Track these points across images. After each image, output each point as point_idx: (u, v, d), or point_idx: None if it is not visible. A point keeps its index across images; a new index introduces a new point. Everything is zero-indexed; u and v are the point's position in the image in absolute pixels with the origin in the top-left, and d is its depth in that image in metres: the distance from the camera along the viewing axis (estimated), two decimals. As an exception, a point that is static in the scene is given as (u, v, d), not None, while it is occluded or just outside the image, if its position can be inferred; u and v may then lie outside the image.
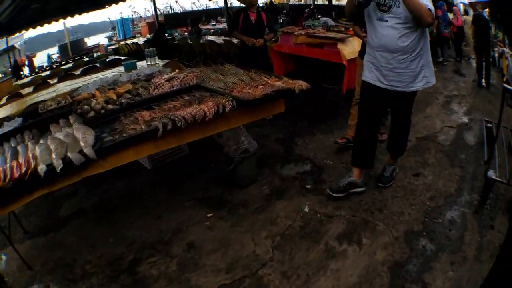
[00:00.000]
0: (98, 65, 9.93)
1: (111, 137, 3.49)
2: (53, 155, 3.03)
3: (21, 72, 20.37)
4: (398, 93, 3.88)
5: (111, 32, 36.53)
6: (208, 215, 4.40)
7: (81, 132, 3.37)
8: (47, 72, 12.96)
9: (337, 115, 6.82)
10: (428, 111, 6.94)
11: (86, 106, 4.08)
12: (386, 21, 3.62)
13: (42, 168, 2.91)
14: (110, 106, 4.12)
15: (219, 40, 10.81)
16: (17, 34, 16.98)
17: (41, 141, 3.48)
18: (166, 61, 7.59)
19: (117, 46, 19.91)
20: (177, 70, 5.05)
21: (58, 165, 2.99)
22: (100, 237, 4.26)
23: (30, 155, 3.13)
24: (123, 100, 4.25)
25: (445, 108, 7.12)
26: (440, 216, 3.85)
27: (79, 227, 4.61)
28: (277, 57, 7.88)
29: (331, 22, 8.19)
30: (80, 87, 5.40)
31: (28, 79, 12.36)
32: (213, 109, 3.61)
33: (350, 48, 6.20)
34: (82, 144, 3.21)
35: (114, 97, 4.34)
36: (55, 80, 8.53)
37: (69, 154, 3.09)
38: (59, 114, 4.18)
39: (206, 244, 3.91)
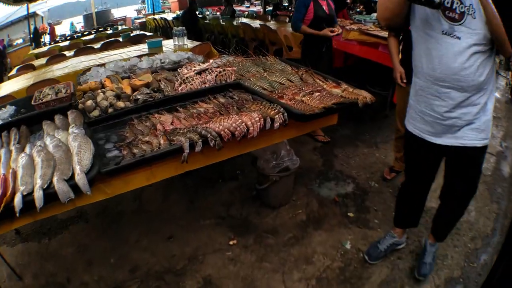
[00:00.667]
0: (120, 39, 9.24)
1: (117, 153, 2.60)
2: (36, 180, 2.20)
3: (42, 40, 19.59)
4: (461, 149, 2.59)
5: (140, 5, 35.29)
6: (231, 242, 3.69)
7: (77, 145, 2.43)
8: (66, 43, 12.06)
9: (382, 125, 6.08)
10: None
11: (89, 102, 3.07)
12: (459, 38, 2.24)
13: (18, 201, 2.07)
14: (121, 104, 3.14)
15: (255, 24, 9.56)
16: (39, 1, 16.16)
17: (27, 150, 2.61)
18: (197, 43, 6.76)
19: (144, 20, 19.03)
20: (210, 61, 3.97)
21: (39, 200, 2.10)
22: (100, 252, 3.66)
23: (11, 171, 2.34)
24: (138, 96, 3.23)
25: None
26: (476, 260, 3.38)
27: (78, 235, 4.02)
28: None
29: None
30: (89, 69, 4.38)
31: (45, 48, 11.59)
32: (258, 124, 2.73)
33: None
34: (74, 166, 2.29)
35: (128, 91, 3.35)
36: (72, 53, 7.85)
37: (55, 182, 2.17)
38: (55, 109, 3.24)
39: (226, 282, 3.27)
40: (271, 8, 15.73)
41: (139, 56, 4.98)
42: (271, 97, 3.21)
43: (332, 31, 5.05)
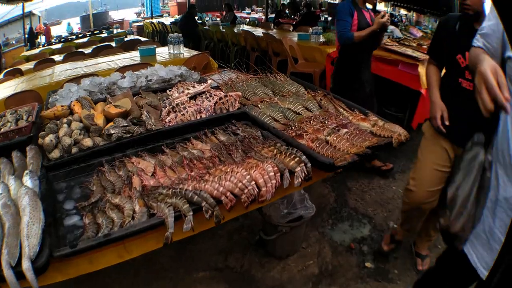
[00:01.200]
0: (114, 44, 8.64)
1: (77, 220, 1.91)
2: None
3: (37, 40, 18.81)
4: None
5: (140, 8, 34.52)
6: (230, 302, 3.05)
7: (26, 210, 1.78)
8: (59, 45, 11.57)
9: (398, 152, 5.35)
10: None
11: (49, 139, 2.33)
12: None
13: None
14: (87, 142, 2.36)
15: (257, 32, 8.77)
16: (35, 0, 15.46)
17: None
18: (194, 52, 6.05)
19: (142, 24, 18.31)
20: (208, 81, 3.15)
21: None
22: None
23: None
24: (112, 131, 2.44)
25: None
26: None
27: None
28: (332, 66, 6.00)
29: (398, 33, 6.48)
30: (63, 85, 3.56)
31: (37, 50, 11.21)
32: (274, 182, 1.97)
33: None
34: (22, 242, 1.68)
35: (100, 121, 2.57)
36: (61, 57, 7.47)
37: (2, 265, 1.58)
38: (13, 143, 2.55)
39: None
40: (273, 15, 14.84)
41: (124, 68, 4.31)
42: (287, 136, 2.43)
43: (382, 17, 4.13)
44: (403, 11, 15.83)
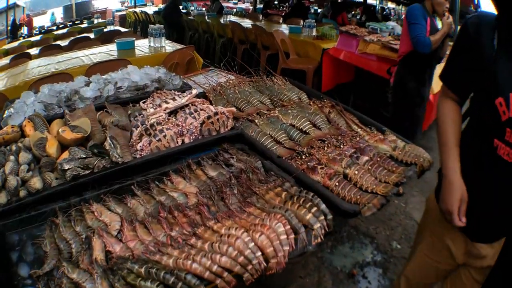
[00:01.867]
0: (92, 35, 7.95)
1: None
2: None
3: (20, 31, 17.70)
4: None
5: (125, -4, 33.42)
6: None
7: None
8: (38, 37, 10.60)
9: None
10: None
11: None
12: None
13: None
14: (35, 183, 1.79)
15: (245, 23, 8.02)
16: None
17: None
18: (177, 45, 5.42)
19: (125, 13, 17.31)
20: (193, 91, 2.48)
21: None
22: None
23: None
24: (66, 166, 1.82)
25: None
26: None
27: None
28: (330, 65, 5.70)
29: (399, 29, 5.77)
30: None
31: (16, 43, 10.38)
32: (287, 249, 1.45)
33: (438, 76, 3.96)
34: None
35: (53, 149, 1.98)
36: (38, 50, 6.76)
37: None
38: None
39: None
40: (261, 6, 14.09)
41: (96, 67, 3.71)
42: (298, 172, 1.83)
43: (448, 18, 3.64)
44: (391, 4, 15.29)
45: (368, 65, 5.07)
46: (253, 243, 1.38)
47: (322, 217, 1.52)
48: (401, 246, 3.57)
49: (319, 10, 10.97)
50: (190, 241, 1.45)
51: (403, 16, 8.01)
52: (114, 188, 1.80)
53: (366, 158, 1.94)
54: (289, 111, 2.44)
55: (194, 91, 2.35)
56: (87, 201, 1.74)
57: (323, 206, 1.57)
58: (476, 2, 10.13)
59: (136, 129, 2.08)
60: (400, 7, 11.95)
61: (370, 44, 4.95)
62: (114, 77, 2.93)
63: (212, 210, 1.62)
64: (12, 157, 1.90)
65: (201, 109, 2.19)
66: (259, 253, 1.38)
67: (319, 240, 1.50)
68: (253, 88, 2.84)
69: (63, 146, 2.02)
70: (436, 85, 4.10)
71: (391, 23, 5.89)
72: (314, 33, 6.56)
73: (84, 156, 1.88)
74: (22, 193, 1.76)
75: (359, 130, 2.30)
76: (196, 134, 2.06)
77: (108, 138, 1.95)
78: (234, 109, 2.27)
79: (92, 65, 4.30)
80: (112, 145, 1.90)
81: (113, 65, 3.65)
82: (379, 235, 3.71)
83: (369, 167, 1.87)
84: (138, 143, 1.99)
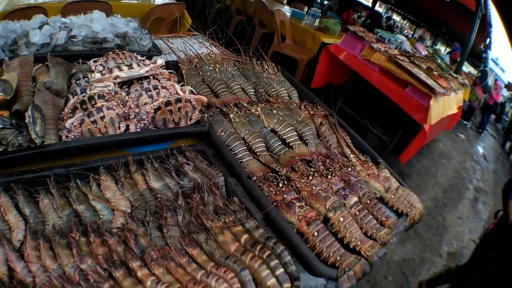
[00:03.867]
0: None
1: None
2: None
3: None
4: None
5: None
6: None
7: None
8: None
9: None
10: (460, 208, 5.48)
11: None
12: None
13: None
14: None
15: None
16: None
17: None
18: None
19: None
20: (159, 60, 1.86)
21: None
22: None
23: None
24: None
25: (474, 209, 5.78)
26: None
27: None
28: (326, 61, 5.17)
29: (407, 45, 5.40)
30: None
31: None
32: None
33: (439, 108, 4.27)
34: None
35: None
36: None
37: None
38: None
39: None
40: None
41: (73, 5, 3.10)
42: (268, 205, 1.39)
43: None
44: (395, 17, 14.88)
45: (369, 74, 4.67)
46: None
47: (288, 285, 1.11)
48: (393, 278, 3.45)
49: (325, 1, 10.36)
50: (103, 285, 1.01)
51: (405, 31, 7.54)
52: (27, 177, 1.27)
53: (355, 199, 1.57)
54: (274, 112, 1.98)
55: (160, 61, 1.77)
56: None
57: (292, 268, 1.16)
58: (487, 43, 9.99)
59: (72, 98, 1.52)
60: (405, 22, 11.61)
61: (376, 53, 4.53)
62: (74, 21, 2.28)
63: (141, 242, 1.14)
64: None
65: (162, 87, 1.63)
66: None
67: None
68: (237, 70, 2.34)
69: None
70: (436, 116, 4.08)
71: (401, 37, 5.45)
72: (317, 23, 6.05)
73: (1, 126, 1.33)
74: None
75: (351, 156, 1.91)
76: (146, 121, 1.51)
77: (29, 107, 1.38)
78: (205, 98, 1.70)
79: (70, 2, 3.51)
80: (31, 118, 1.34)
81: (91, 6, 3.04)
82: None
83: (357, 212, 1.53)
84: (70, 117, 1.44)
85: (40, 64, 1.78)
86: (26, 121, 1.35)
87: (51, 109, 1.46)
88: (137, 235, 1.15)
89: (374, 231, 1.48)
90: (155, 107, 1.50)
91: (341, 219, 1.45)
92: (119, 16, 2.49)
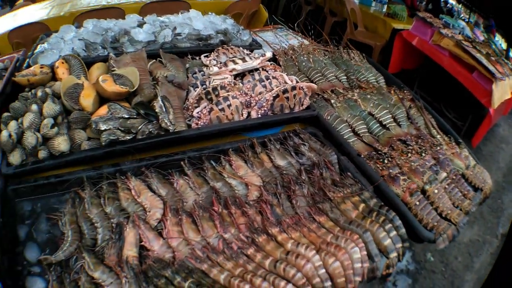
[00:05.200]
0: None
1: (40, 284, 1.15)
2: None
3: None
4: None
5: None
6: None
7: None
8: None
9: None
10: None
11: (6, 132, 1.40)
12: None
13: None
14: (60, 144, 1.43)
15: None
16: None
17: None
18: None
19: None
20: (267, 53, 2.01)
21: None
22: None
23: None
24: (103, 127, 1.47)
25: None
26: None
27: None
28: (400, 47, 5.18)
29: (467, 30, 5.34)
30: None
31: None
32: (359, 279, 1.18)
33: (499, 92, 4.18)
34: None
35: (87, 103, 1.61)
36: None
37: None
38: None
39: None
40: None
41: (150, 6, 3.28)
42: (379, 181, 1.54)
43: None
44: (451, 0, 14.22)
45: (440, 59, 4.70)
46: (323, 270, 1.12)
47: (400, 245, 1.30)
48: (434, 259, 3.37)
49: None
50: (248, 251, 1.16)
51: (462, 15, 7.38)
52: (160, 161, 1.44)
53: (444, 174, 1.76)
54: (369, 97, 2.09)
55: (268, 54, 1.93)
56: (123, 174, 1.40)
57: (402, 230, 1.35)
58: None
59: (194, 90, 1.70)
60: (460, 6, 11.14)
61: (445, 38, 4.56)
62: (173, 20, 2.47)
63: (277, 211, 1.30)
64: (34, 107, 1.51)
65: (273, 77, 1.78)
66: (329, 283, 1.12)
67: (391, 271, 1.27)
68: (328, 59, 2.45)
69: (102, 98, 1.64)
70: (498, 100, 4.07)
71: (462, 23, 5.39)
72: (385, 9, 5.97)
73: (127, 116, 1.52)
74: (42, 154, 1.42)
75: (438, 136, 2.08)
76: (266, 108, 1.68)
77: (159, 98, 1.58)
78: (315, 86, 1.86)
79: (149, 2, 3.75)
80: (164, 108, 1.54)
81: (171, 6, 3.19)
82: (417, 244, 3.41)
83: (446, 186, 1.73)
84: (195, 107, 1.62)
85: (153, 60, 1.95)
86: (157, 110, 1.53)
87: (176, 100, 1.65)
88: (272, 205, 1.30)
89: (460, 202, 1.68)
90: (273, 95, 1.67)
91: (436, 191, 1.64)
92: (212, 14, 2.65)
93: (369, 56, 5.13)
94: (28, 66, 2.00)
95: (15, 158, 1.39)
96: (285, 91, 1.70)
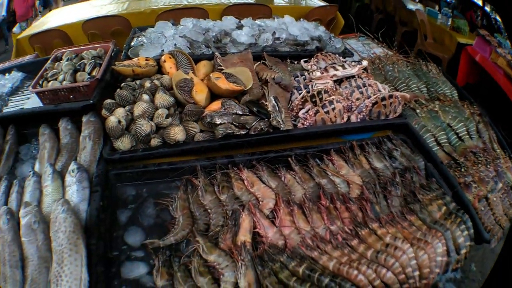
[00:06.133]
0: None
1: (143, 269, 1.26)
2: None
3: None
4: None
5: None
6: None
7: (64, 256, 1.16)
8: None
9: None
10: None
11: (115, 118, 1.58)
12: None
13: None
14: (177, 133, 1.61)
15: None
16: None
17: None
18: (320, 2, 4.66)
19: None
20: (364, 62, 2.20)
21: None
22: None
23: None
24: (218, 121, 1.66)
25: None
26: None
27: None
28: (466, 62, 5.19)
29: None
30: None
31: None
32: (437, 271, 1.37)
33: None
34: None
35: (201, 98, 1.81)
36: None
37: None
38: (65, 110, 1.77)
39: None
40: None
41: (233, 8, 3.37)
42: (456, 185, 1.70)
43: None
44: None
45: (497, 76, 4.66)
46: (415, 261, 1.29)
47: (468, 243, 1.46)
48: (476, 269, 3.32)
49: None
50: (352, 242, 1.32)
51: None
52: (270, 156, 1.61)
53: (500, 185, 1.91)
54: (447, 109, 2.22)
55: (364, 62, 2.11)
56: (235, 165, 1.56)
57: (471, 231, 1.51)
58: None
59: (298, 92, 1.88)
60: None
61: (500, 57, 4.54)
62: (269, 25, 2.62)
63: (376, 209, 1.47)
64: (145, 97, 1.63)
65: (368, 85, 1.95)
66: (417, 272, 1.28)
67: (459, 265, 1.46)
68: (410, 71, 2.57)
69: (213, 95, 1.79)
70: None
71: (507, 42, 5.36)
72: (450, 23, 5.96)
73: (240, 112, 1.68)
74: (155, 141, 1.56)
75: (498, 151, 2.20)
76: (364, 113, 1.86)
77: (272, 99, 1.75)
78: (407, 95, 2.03)
79: (231, 5, 3.85)
80: (277, 108, 1.71)
81: (251, 10, 3.31)
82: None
83: (500, 196, 1.90)
84: (300, 109, 1.80)
85: (258, 62, 2.12)
86: (270, 109, 1.72)
87: (283, 100, 1.83)
88: (372, 203, 1.47)
89: (507, 210, 1.87)
90: (372, 102, 1.84)
91: (494, 199, 1.82)
92: (304, 20, 2.80)
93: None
94: (127, 57, 2.16)
95: (124, 144, 1.54)
96: (383, 98, 1.87)
